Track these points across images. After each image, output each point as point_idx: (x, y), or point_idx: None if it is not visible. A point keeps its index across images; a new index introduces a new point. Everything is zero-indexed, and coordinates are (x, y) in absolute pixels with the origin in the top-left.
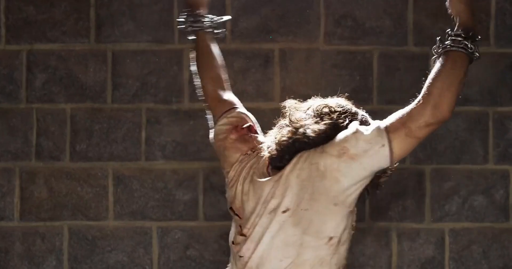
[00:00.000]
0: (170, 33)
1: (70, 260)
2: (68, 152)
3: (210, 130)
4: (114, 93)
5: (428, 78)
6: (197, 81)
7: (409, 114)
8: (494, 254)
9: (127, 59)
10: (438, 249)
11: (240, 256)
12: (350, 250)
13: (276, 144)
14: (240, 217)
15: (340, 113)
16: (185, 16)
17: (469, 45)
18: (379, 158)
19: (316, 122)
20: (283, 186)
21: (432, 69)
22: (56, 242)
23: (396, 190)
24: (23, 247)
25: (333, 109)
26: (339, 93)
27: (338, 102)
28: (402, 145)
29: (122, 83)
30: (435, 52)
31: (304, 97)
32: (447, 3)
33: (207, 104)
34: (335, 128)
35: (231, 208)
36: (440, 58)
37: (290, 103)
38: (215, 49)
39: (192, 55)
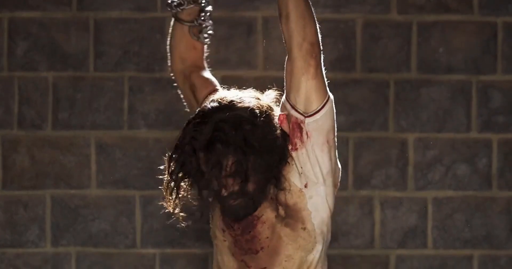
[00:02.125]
0: (152, 1)
1: (53, 228)
2: (50, 120)
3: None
4: (96, 61)
5: None
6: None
7: None
8: (477, 223)
9: (109, 27)
10: (421, 217)
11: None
12: (333, 219)
13: None
14: None
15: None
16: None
17: None
18: None
19: None
20: None
21: None
22: (38, 211)
23: (379, 159)
24: (5, 216)
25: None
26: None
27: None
28: None
29: (104, 52)
30: None
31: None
32: None
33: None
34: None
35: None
36: None
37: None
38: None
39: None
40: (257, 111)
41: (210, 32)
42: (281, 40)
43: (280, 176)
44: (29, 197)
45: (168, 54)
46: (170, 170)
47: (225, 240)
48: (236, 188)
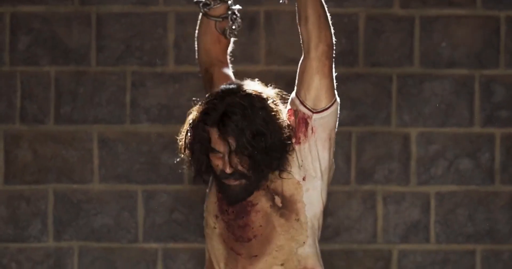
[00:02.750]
0: None
1: (55, 223)
2: (52, 115)
3: None
4: (98, 55)
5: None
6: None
7: None
8: (480, 217)
9: (111, 21)
10: (423, 212)
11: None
12: (336, 214)
13: None
14: None
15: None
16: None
17: None
18: None
19: None
20: None
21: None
22: (41, 206)
23: (381, 153)
24: (8, 211)
25: None
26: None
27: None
28: None
29: (106, 46)
30: None
31: (289, 60)
32: None
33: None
34: None
35: None
36: None
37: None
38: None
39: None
40: (264, 95)
41: (234, 27)
42: (283, 33)
43: (284, 160)
44: (31, 191)
45: (195, 45)
46: (184, 145)
47: (215, 228)
48: (240, 167)
